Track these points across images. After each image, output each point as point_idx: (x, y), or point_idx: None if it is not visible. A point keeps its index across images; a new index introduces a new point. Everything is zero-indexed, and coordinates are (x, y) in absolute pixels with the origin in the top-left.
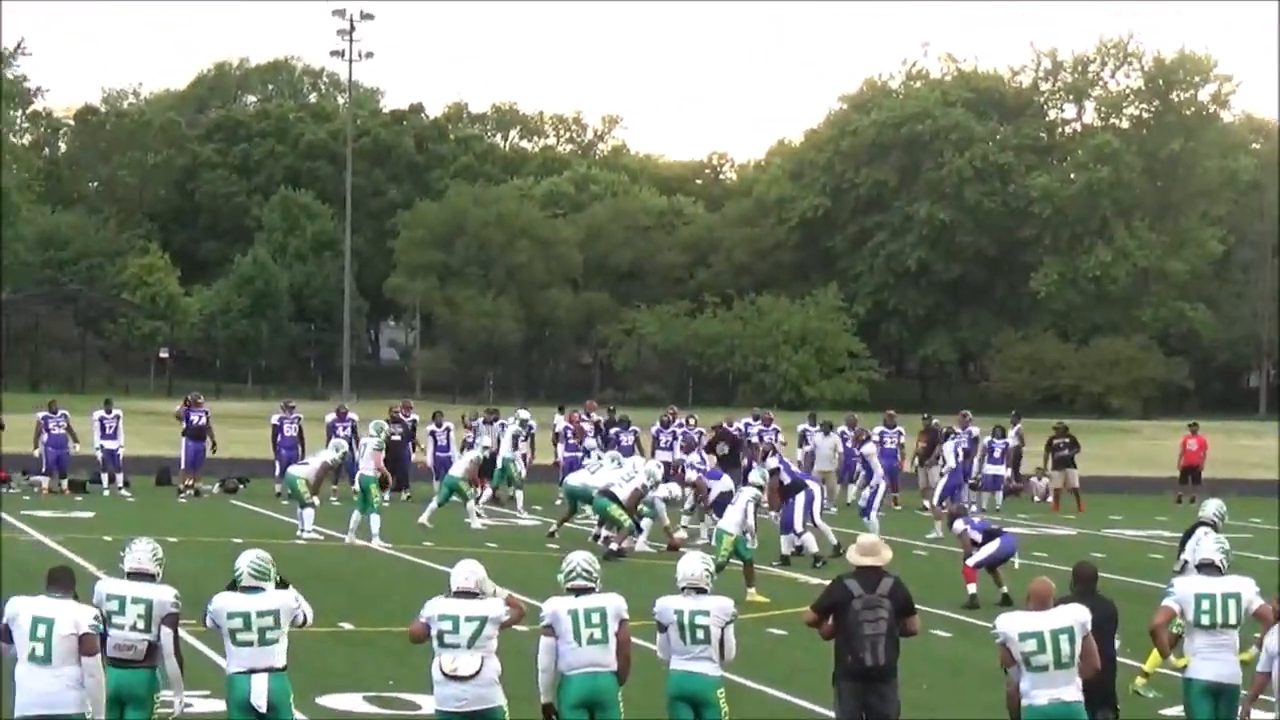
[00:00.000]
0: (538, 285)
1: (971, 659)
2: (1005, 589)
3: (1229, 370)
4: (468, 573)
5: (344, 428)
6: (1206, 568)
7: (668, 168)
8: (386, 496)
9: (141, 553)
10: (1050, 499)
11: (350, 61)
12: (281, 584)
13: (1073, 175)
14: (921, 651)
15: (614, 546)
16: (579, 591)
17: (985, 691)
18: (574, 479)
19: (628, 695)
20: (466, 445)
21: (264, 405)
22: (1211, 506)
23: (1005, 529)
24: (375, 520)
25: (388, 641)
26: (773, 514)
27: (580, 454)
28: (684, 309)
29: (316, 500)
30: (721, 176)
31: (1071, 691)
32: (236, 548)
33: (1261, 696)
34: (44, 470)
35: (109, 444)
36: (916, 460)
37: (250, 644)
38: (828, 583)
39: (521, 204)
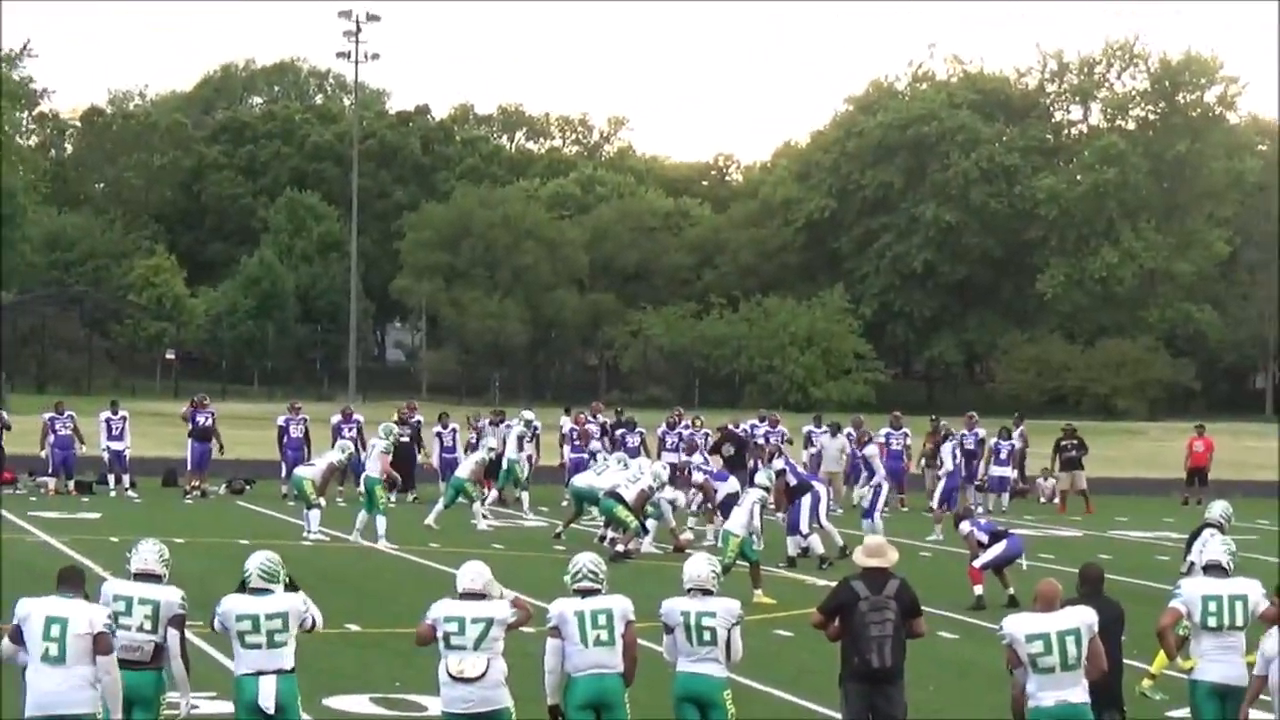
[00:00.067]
0: (544, 287)
1: (978, 660)
2: (1012, 590)
3: (1235, 371)
4: (474, 574)
5: (350, 429)
6: (1213, 569)
7: (674, 169)
8: (393, 498)
9: (148, 554)
10: (1057, 500)
11: (356, 63)
12: (291, 586)
13: (1079, 177)
14: (928, 653)
15: (620, 548)
16: (585, 593)
17: (991, 693)
18: (580, 480)
19: (634, 697)
20: (470, 447)
21: (270, 407)
22: (1218, 508)
23: (1012, 530)
24: (381, 521)
25: (394, 643)
26: (779, 515)
27: (586, 455)
28: (690, 310)
29: (323, 501)
30: (727, 178)
31: (1078, 693)
32: (242, 549)
33: (1262, 697)
34: (50, 471)
35: (115, 445)
36: (923, 462)
37: (259, 646)
38: (834, 584)
39: (527, 205)
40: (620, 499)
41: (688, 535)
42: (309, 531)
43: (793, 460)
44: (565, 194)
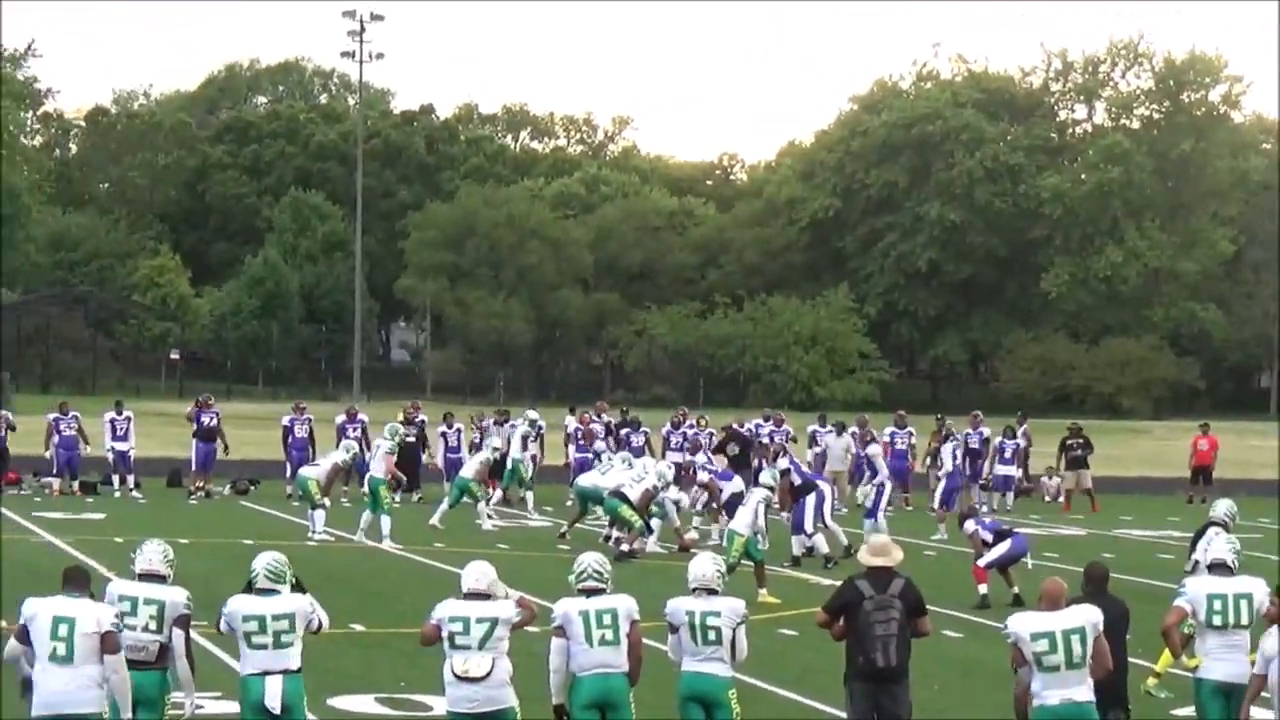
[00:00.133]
0: (548, 286)
1: (983, 659)
2: (1016, 589)
3: (1240, 370)
4: (478, 574)
5: (354, 429)
6: (1218, 568)
7: (678, 168)
8: (398, 498)
9: (153, 554)
10: (1061, 499)
11: (361, 62)
12: (298, 587)
13: (1083, 176)
14: (933, 652)
15: (625, 548)
16: (590, 592)
17: (996, 692)
18: (585, 480)
19: (639, 696)
20: (474, 446)
21: (274, 407)
22: (1222, 507)
23: (1016, 529)
24: (386, 521)
25: (399, 643)
26: (784, 515)
27: (591, 455)
28: (694, 310)
29: (327, 502)
30: (732, 177)
31: (1083, 692)
32: (247, 549)
33: (1263, 694)
34: (55, 472)
35: (120, 445)
36: (928, 461)
37: (265, 647)
38: (839, 583)
39: (532, 205)
40: (625, 499)
41: (692, 535)
42: (314, 532)
43: (797, 459)
44: (570, 193)
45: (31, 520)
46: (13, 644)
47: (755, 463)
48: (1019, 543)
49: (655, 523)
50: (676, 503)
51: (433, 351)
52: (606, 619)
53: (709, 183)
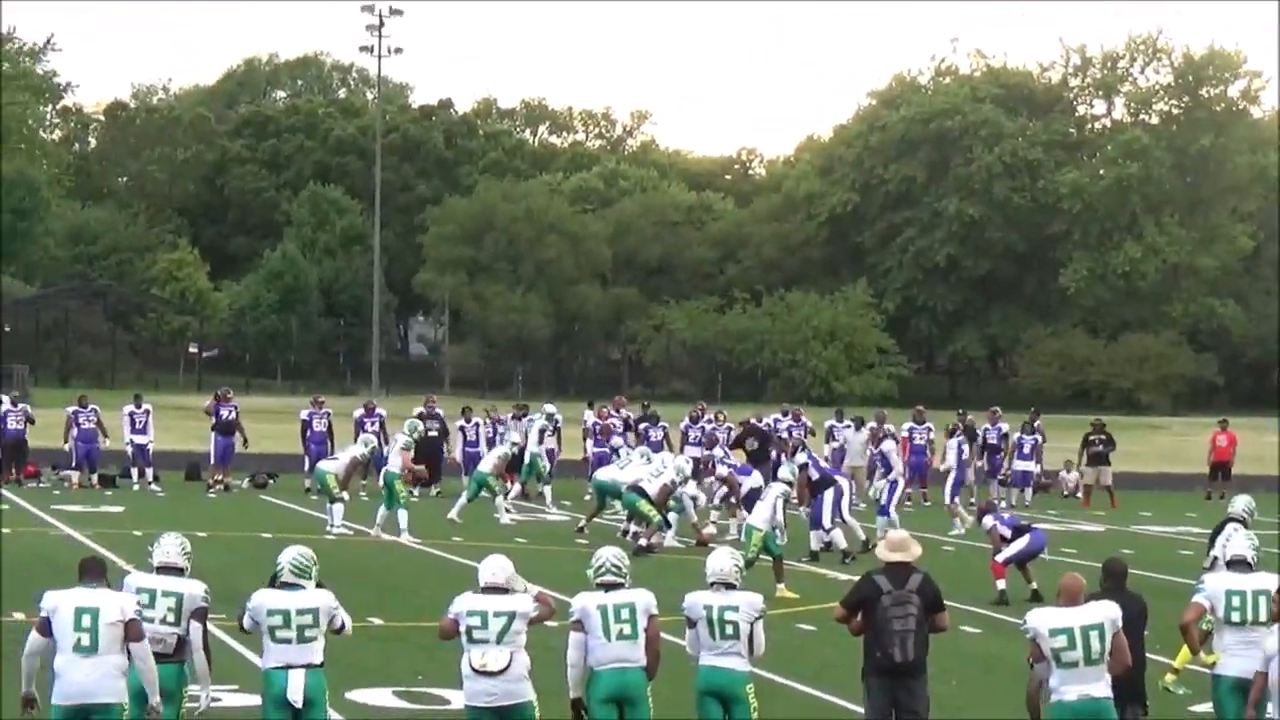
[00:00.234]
0: (567, 281)
1: (1001, 655)
2: (1034, 585)
3: (1258, 366)
4: (496, 568)
5: (372, 423)
6: (1237, 564)
7: (697, 163)
8: (416, 492)
9: (170, 547)
10: (1080, 494)
11: (379, 57)
12: (319, 587)
13: (1102, 171)
14: (951, 647)
15: (643, 542)
16: (608, 587)
17: (1014, 688)
18: (603, 474)
19: (656, 690)
20: (488, 441)
21: (293, 400)
22: (1241, 503)
23: (1035, 525)
24: (403, 515)
25: (417, 636)
26: (802, 510)
27: (609, 450)
28: (713, 305)
29: (345, 496)
30: (751, 172)
31: (1101, 688)
32: (265, 543)
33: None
34: (74, 465)
35: (139, 439)
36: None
37: (289, 641)
38: (857, 579)
39: (551, 199)
40: (643, 493)
41: (710, 529)
42: (332, 526)
43: (815, 455)
44: (588, 188)
45: (50, 513)
46: (35, 637)
47: (774, 458)
48: (1037, 538)
49: (673, 517)
50: (694, 498)
51: (451, 346)
52: (624, 613)
53: (727, 177)
